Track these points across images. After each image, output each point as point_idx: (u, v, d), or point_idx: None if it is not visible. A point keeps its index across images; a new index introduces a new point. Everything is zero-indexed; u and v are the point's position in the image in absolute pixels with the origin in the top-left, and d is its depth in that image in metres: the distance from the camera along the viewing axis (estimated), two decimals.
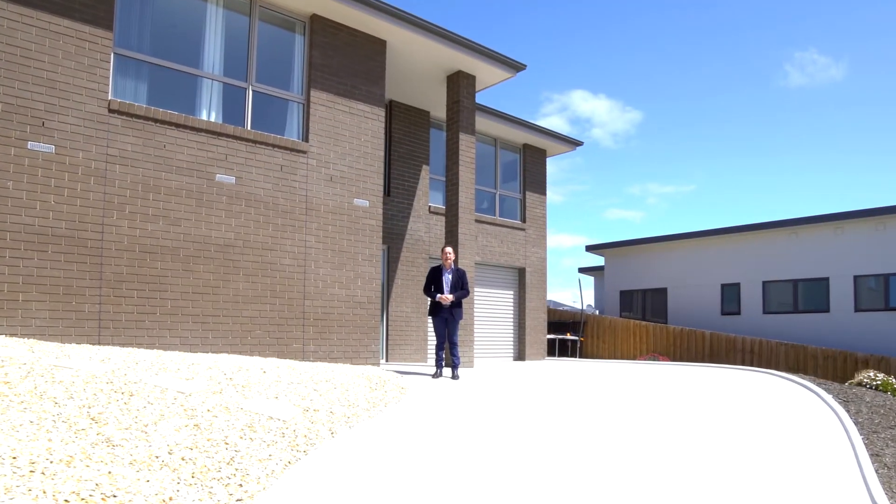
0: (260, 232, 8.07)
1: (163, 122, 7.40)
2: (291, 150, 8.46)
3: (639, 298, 20.17)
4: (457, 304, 8.50)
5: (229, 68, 8.22)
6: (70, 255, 6.71)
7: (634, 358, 16.75)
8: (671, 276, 19.26)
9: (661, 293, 19.44)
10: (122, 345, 6.91)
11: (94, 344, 6.72)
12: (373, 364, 8.97)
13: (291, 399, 5.26)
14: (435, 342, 8.73)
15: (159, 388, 4.73)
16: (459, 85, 10.85)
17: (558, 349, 18.69)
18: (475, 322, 13.33)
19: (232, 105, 8.22)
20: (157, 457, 3.36)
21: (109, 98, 7.08)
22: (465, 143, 10.81)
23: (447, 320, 8.46)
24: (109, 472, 3.00)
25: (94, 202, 6.89)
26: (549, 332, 18.63)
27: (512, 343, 14.39)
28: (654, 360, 15.06)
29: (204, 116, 7.95)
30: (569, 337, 18.00)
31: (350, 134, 9.11)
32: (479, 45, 10.29)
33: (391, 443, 4.44)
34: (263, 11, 8.57)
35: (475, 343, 13.33)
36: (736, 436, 5.16)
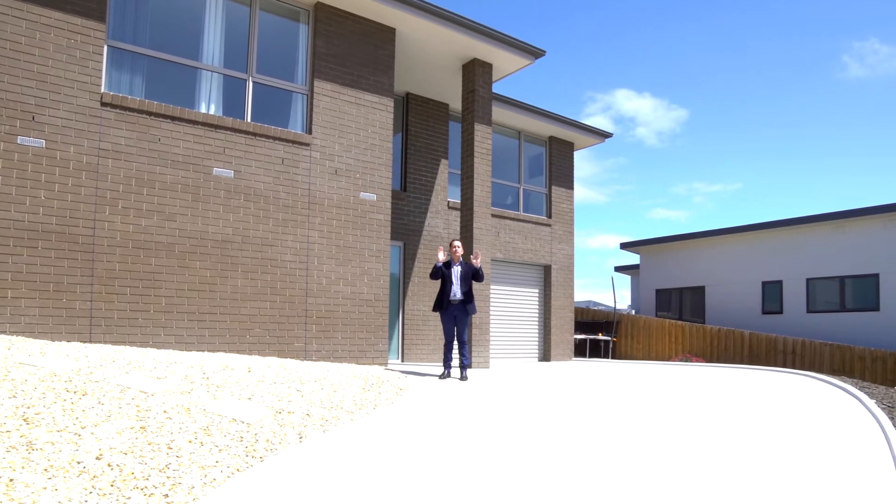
0: (259, 227, 7.82)
1: (157, 114, 7.22)
2: (293, 142, 8.18)
3: (675, 297, 19.25)
4: (468, 301, 8.05)
5: (229, 60, 8.01)
6: (60, 251, 6.57)
7: (669, 359, 15.94)
8: (709, 273, 18.29)
9: (699, 292, 18.49)
10: (115, 343, 6.74)
11: (84, 342, 6.57)
12: (380, 364, 8.61)
13: (267, 400, 4.93)
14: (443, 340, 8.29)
15: (121, 387, 4.46)
16: (475, 73, 10.41)
17: (590, 350, 18.00)
18: (494, 321, 12.86)
19: (231, 97, 8.00)
20: (79, 462, 3.06)
21: (102, 91, 6.94)
22: (481, 133, 10.36)
23: (457, 317, 8.00)
24: (11, 480, 2.70)
25: (85, 197, 6.75)
26: (580, 333, 17.97)
27: (537, 343, 13.83)
28: (686, 361, 14.25)
29: (203, 109, 7.75)
30: (600, 337, 17.29)
31: (356, 125, 8.78)
32: (495, 31, 9.84)
33: (364, 451, 4.04)
34: (265, 1, 8.34)
35: (494, 343, 12.86)
36: (757, 447, 4.57)
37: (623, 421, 5.32)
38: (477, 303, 9.90)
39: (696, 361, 14.15)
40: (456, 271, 8.03)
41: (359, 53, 8.89)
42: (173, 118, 7.32)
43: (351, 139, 8.71)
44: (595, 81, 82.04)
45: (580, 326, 18.83)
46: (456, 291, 7.96)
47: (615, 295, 17.70)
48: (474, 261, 7.91)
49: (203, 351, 7.23)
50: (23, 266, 6.37)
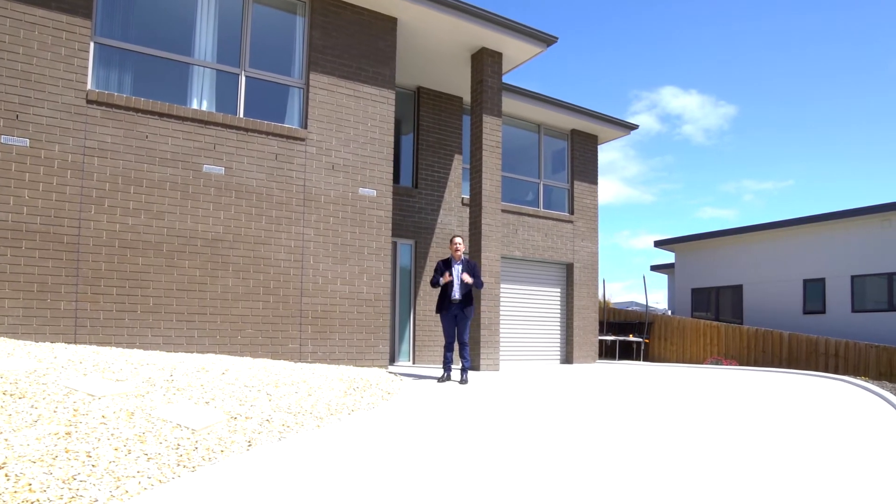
0: (252, 225, 7.60)
1: (144, 111, 7.08)
2: (288, 137, 7.94)
3: (712, 297, 18.30)
4: (468, 302, 7.64)
5: (221, 54, 7.82)
6: (45, 251, 6.47)
7: (703, 362, 15.10)
8: (747, 271, 17.30)
9: (736, 291, 17.50)
10: (100, 344, 6.60)
11: (69, 343, 6.45)
12: (380, 366, 8.27)
13: (227, 404, 4.64)
14: (444, 342, 7.89)
15: (69, 389, 4.24)
16: (483, 63, 9.99)
17: (620, 352, 17.28)
18: (512, 321, 12.38)
19: (224, 92, 7.81)
20: None
21: (88, 89, 6.83)
22: (490, 125, 9.93)
23: (457, 317, 7.61)
24: None
25: (70, 196, 6.64)
26: (612, 334, 17.27)
27: (559, 345, 13.27)
28: (716, 363, 13.43)
29: (195, 105, 7.58)
30: (631, 339, 16.56)
31: (355, 119, 8.49)
32: (502, 18, 9.40)
33: (314, 463, 3.68)
34: None
35: (512, 344, 12.38)
36: (771, 470, 4.02)
37: (623, 438, 4.82)
38: (487, 302, 9.48)
39: (729, 364, 13.32)
40: (456, 271, 7.63)
41: (357, 45, 8.59)
42: (161, 115, 7.16)
43: (349, 133, 8.42)
44: (640, 79, 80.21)
45: (611, 327, 18.13)
46: (456, 291, 7.57)
47: (647, 295, 16.92)
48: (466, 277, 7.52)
49: (192, 352, 7.04)
50: (6, 266, 6.29)
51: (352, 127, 8.45)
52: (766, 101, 66.44)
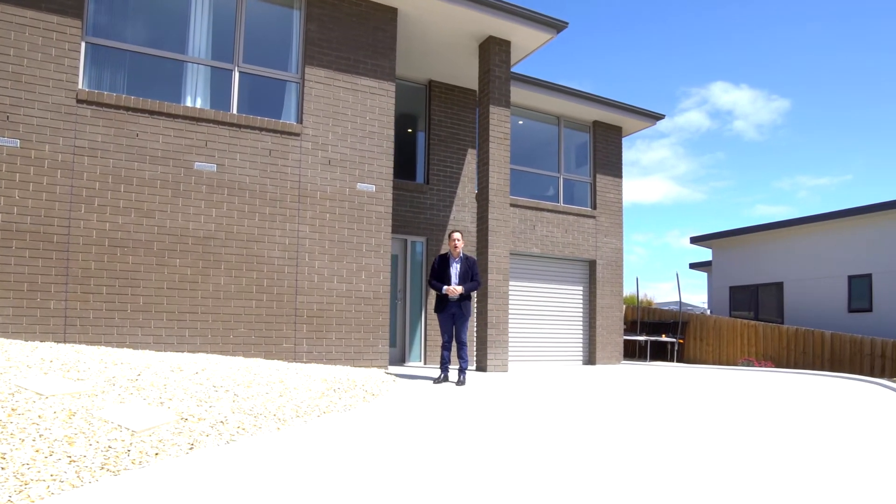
0: (245, 222, 7.47)
1: (135, 109, 7.04)
2: (282, 132, 7.79)
3: (751, 295, 17.34)
4: (466, 298, 7.33)
5: (214, 51, 7.74)
6: (35, 250, 6.49)
7: (737, 363, 14.29)
8: (788, 268, 16.30)
9: (777, 288, 16.52)
10: (90, 342, 6.58)
11: (59, 342, 6.44)
12: (379, 366, 8.03)
13: (184, 405, 4.46)
14: (441, 341, 7.56)
15: (18, 388, 4.14)
16: (490, 52, 9.64)
17: (654, 353, 16.58)
18: (529, 321, 11.96)
19: (217, 89, 7.72)
20: None
21: (78, 88, 6.83)
22: (498, 116, 9.57)
23: (455, 315, 7.30)
24: None
25: (60, 196, 6.64)
26: (644, 334, 16.59)
27: (581, 345, 12.76)
28: (748, 364, 12.64)
29: (188, 102, 7.52)
30: (664, 339, 15.85)
31: (353, 112, 8.28)
32: (507, 4, 9.03)
33: (250, 471, 3.45)
34: None
35: (529, 345, 11.96)
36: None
37: (617, 458, 4.42)
38: (495, 300, 9.13)
39: (764, 366, 12.52)
40: (455, 268, 7.32)
41: (356, 37, 8.38)
42: (152, 112, 7.11)
43: (346, 127, 8.21)
44: (689, 76, 77.91)
45: (645, 327, 17.44)
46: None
47: (680, 293, 16.16)
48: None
49: (183, 351, 6.95)
50: None
51: (349, 121, 8.24)
52: (822, 93, 63.44)
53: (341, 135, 8.17)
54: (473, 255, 9.89)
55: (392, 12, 8.70)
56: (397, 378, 7.32)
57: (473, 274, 7.42)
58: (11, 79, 6.56)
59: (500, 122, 9.56)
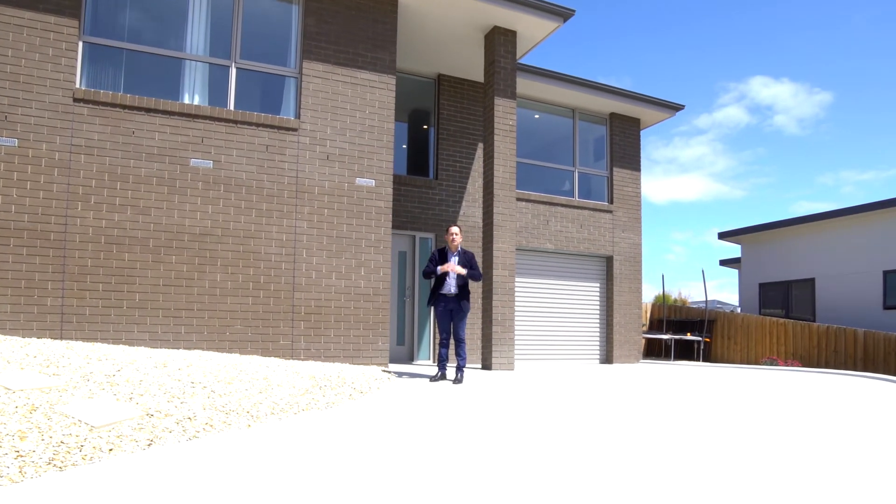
0: (241, 218, 7.43)
1: (131, 107, 7.07)
2: (279, 128, 7.74)
3: (781, 292, 16.64)
4: (464, 295, 7.14)
5: (212, 47, 7.73)
6: (32, 247, 6.56)
7: (760, 362, 13.71)
8: (820, 263, 15.59)
9: (808, 285, 15.81)
10: (86, 339, 6.62)
11: (55, 338, 6.50)
12: (379, 364, 7.90)
13: (156, 400, 4.39)
14: (438, 338, 7.37)
15: None
16: (495, 43, 9.43)
17: (679, 351, 16.08)
18: (537, 317, 11.68)
19: (214, 85, 7.71)
20: None
21: (75, 87, 6.89)
22: (503, 108, 9.34)
23: (453, 311, 7.12)
24: None
25: (57, 194, 6.71)
26: (671, 332, 16.10)
27: (598, 343, 12.41)
28: (771, 363, 12.09)
29: (186, 99, 7.52)
30: (689, 337, 15.34)
31: (352, 106, 8.18)
32: None
33: (204, 470, 3.34)
34: None
35: (541, 343, 11.68)
36: None
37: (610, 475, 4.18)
38: (500, 296, 8.92)
39: (791, 365, 11.96)
40: (454, 262, 7.14)
41: (354, 30, 8.28)
42: (148, 110, 7.13)
43: (345, 121, 8.11)
44: (727, 71, 75.90)
45: (671, 325, 16.94)
46: (451, 284, 7.09)
47: (706, 290, 15.62)
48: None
49: (179, 348, 6.95)
50: None
51: (348, 115, 8.14)
52: (866, 85, 60.93)
53: (340, 129, 8.07)
54: (488, 250, 9.68)
55: (392, 4, 8.56)
56: (394, 376, 7.17)
57: (472, 266, 7.24)
58: (10, 79, 6.65)
59: (505, 115, 9.33)
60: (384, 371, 7.35)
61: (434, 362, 10.37)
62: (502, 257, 9.04)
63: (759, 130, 68.46)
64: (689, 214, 71.87)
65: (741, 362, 14.66)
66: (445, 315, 7.14)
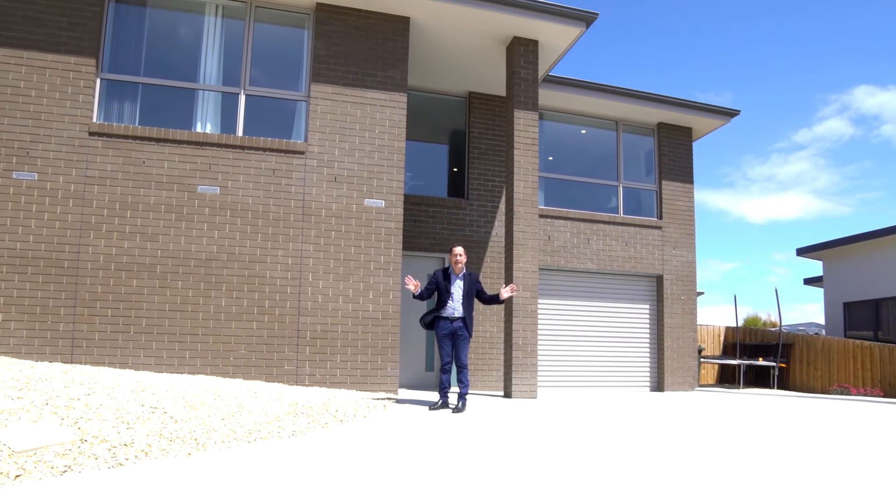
0: (247, 243, 7.46)
1: (142, 138, 7.32)
2: (286, 151, 7.76)
3: (870, 311, 14.87)
4: (468, 317, 6.74)
5: (222, 76, 7.91)
6: (47, 275, 6.86)
7: (830, 391, 12.17)
8: None
9: None
10: (94, 363, 6.80)
11: (66, 362, 6.71)
12: (388, 390, 7.61)
13: (99, 426, 4.32)
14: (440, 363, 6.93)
15: None
16: (515, 54, 9.10)
17: (751, 378, 14.69)
18: (576, 342, 10.98)
19: (225, 113, 7.86)
20: None
21: (91, 122, 7.22)
22: (524, 121, 8.95)
23: (456, 335, 6.71)
24: None
25: (71, 223, 7.00)
26: (745, 357, 14.78)
27: (648, 369, 11.50)
28: (843, 392, 10.66)
29: (198, 128, 7.72)
30: (760, 363, 13.98)
31: (361, 127, 8.09)
32: (522, 0, 8.48)
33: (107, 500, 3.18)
34: (261, 12, 8.14)
35: (582, 369, 10.95)
36: None
37: None
38: (521, 319, 8.44)
39: (867, 394, 10.52)
40: (458, 285, 6.75)
41: (364, 50, 8.23)
42: (158, 140, 7.36)
43: (354, 142, 8.03)
44: (828, 82, 71.11)
45: (745, 350, 15.58)
46: (455, 308, 6.68)
47: (780, 311, 14.23)
48: (506, 292, 6.75)
49: (183, 373, 6.99)
50: (13, 290, 6.75)
51: (357, 135, 8.05)
52: None
53: (348, 150, 7.99)
54: (509, 270, 9.21)
55: (404, 22, 8.46)
56: (393, 403, 6.85)
57: (479, 291, 6.84)
58: (32, 117, 7.06)
59: (525, 127, 8.93)
60: (380, 399, 7.04)
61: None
62: (524, 277, 8.56)
63: (864, 142, 63.18)
64: (790, 234, 66.95)
65: (821, 390, 13.14)
66: (447, 339, 6.75)
